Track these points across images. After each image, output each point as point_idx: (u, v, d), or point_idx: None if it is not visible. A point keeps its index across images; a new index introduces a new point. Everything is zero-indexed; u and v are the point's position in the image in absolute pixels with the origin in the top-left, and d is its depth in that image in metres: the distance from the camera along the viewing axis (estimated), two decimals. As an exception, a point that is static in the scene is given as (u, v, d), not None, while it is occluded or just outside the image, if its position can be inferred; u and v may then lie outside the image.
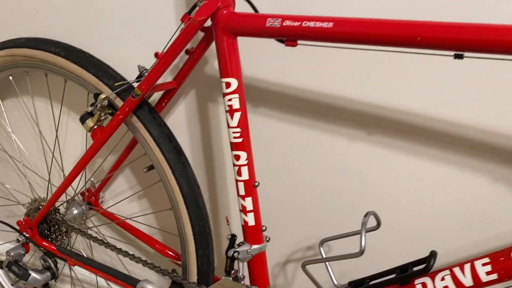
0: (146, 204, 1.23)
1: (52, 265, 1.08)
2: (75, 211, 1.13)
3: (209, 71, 0.99)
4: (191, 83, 1.00)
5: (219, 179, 1.09)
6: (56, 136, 1.15)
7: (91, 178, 1.17)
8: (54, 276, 1.08)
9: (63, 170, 1.15)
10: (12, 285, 1.34)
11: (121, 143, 1.06)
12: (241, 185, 0.83)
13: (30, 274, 1.05)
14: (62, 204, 1.12)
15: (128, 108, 0.85)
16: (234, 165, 0.82)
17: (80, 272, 1.33)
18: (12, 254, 1.04)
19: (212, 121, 1.05)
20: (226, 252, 0.84)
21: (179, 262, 1.00)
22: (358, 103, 0.89)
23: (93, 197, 1.17)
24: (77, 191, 1.11)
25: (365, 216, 0.75)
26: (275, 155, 0.99)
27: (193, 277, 0.93)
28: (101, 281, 1.32)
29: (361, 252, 0.71)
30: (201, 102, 1.04)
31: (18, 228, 1.07)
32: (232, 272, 0.83)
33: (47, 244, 1.04)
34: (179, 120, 1.05)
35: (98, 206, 1.18)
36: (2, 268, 1.08)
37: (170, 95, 0.95)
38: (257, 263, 0.86)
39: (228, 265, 0.84)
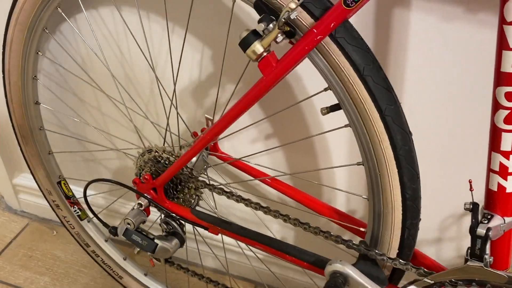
0: (281, 160, 0.97)
1: (179, 229, 0.85)
2: (194, 159, 0.87)
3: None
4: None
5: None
6: (177, 67, 0.85)
7: (207, 115, 0.89)
8: (183, 243, 0.86)
9: (176, 110, 0.87)
10: (124, 259, 1.12)
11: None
12: (508, 138, 0.56)
13: (157, 244, 0.82)
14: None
15: (333, 23, 0.55)
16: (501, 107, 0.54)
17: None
18: (133, 221, 0.81)
19: (395, 36, 0.75)
20: (474, 229, 0.60)
21: (362, 230, 0.76)
22: None
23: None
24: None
25: None
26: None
27: (391, 252, 0.70)
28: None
29: None
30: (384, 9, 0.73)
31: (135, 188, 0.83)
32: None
33: (181, 209, 0.80)
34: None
35: (219, 152, 0.92)
36: (116, 235, 0.85)
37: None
38: (504, 242, 0.62)
39: (479, 247, 0.60)
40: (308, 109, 0.88)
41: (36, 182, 1.09)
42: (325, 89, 0.65)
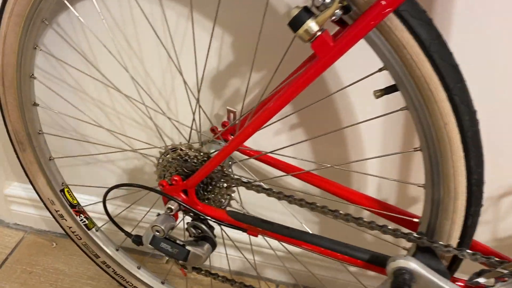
0: (307, 152, 0.91)
1: (210, 232, 0.78)
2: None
3: None
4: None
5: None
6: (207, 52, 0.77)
7: (229, 107, 0.82)
8: (215, 247, 0.79)
9: (199, 105, 0.79)
10: (138, 268, 1.03)
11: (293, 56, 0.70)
12: None
13: (189, 250, 0.75)
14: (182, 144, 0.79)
15: (406, -7, 0.49)
16: None
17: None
18: (163, 227, 0.73)
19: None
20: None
21: (415, 220, 0.70)
22: None
23: (230, 135, 0.84)
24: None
25: None
26: None
27: (451, 242, 0.65)
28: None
29: None
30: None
31: (160, 190, 0.75)
32: None
33: (216, 212, 0.73)
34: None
35: (243, 146, 0.85)
36: (141, 244, 0.77)
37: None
38: None
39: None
40: (339, 96, 0.82)
41: (36, 191, 0.99)
42: (380, 70, 0.60)
